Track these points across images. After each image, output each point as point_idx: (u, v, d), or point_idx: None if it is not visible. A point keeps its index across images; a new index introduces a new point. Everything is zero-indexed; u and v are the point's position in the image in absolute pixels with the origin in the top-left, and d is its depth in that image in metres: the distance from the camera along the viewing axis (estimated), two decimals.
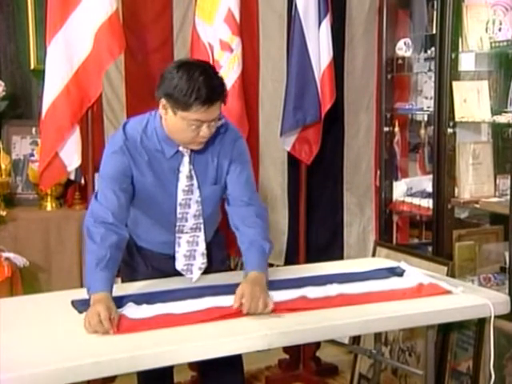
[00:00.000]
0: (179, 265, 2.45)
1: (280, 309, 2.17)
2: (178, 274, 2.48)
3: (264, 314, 2.13)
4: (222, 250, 2.66)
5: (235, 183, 2.44)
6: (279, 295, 2.27)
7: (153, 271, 2.52)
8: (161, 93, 2.24)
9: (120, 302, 2.15)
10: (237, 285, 2.27)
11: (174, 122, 2.25)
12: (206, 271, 2.50)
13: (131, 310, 2.11)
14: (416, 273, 2.54)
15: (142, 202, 2.41)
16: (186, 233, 2.44)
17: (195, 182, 2.38)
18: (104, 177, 2.37)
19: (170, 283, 2.41)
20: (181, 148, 2.34)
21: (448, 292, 2.37)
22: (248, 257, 2.35)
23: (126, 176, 2.34)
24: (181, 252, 2.45)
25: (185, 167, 2.37)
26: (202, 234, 2.45)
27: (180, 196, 2.38)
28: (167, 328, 2.01)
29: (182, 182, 2.37)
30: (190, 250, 2.45)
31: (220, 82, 2.25)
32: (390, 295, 2.34)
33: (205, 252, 2.46)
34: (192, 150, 2.35)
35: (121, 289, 2.31)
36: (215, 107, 2.22)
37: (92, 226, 2.26)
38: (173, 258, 2.47)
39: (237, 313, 2.12)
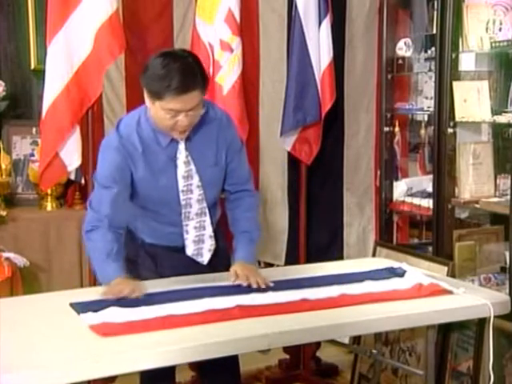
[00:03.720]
0: (189, 250, 2.50)
1: (281, 311, 2.16)
2: (187, 271, 2.48)
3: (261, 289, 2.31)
4: (226, 258, 2.66)
5: (234, 173, 2.54)
6: (280, 296, 2.27)
7: (161, 269, 2.53)
8: (142, 83, 2.30)
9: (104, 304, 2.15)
10: (234, 286, 2.34)
11: (154, 111, 2.30)
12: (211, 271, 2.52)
13: (130, 312, 2.10)
14: (416, 273, 2.54)
15: (145, 198, 2.44)
16: (192, 219, 2.48)
17: (193, 167, 2.42)
18: (100, 180, 2.40)
19: (170, 284, 2.42)
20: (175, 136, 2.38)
21: (449, 292, 2.37)
22: (238, 246, 2.52)
23: (123, 176, 2.37)
24: (190, 238, 2.50)
25: (181, 154, 2.41)
26: (207, 219, 2.50)
27: (181, 183, 2.42)
28: (167, 329, 2.01)
29: (181, 169, 2.41)
30: (198, 235, 2.50)
31: (196, 71, 2.26)
32: (391, 295, 2.34)
33: (212, 234, 2.52)
34: (186, 138, 2.39)
35: None
36: (191, 96, 2.23)
37: (90, 232, 2.37)
38: (182, 249, 2.50)
39: (235, 314, 2.12)
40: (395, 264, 2.67)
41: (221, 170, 2.52)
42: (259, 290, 2.34)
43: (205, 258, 2.52)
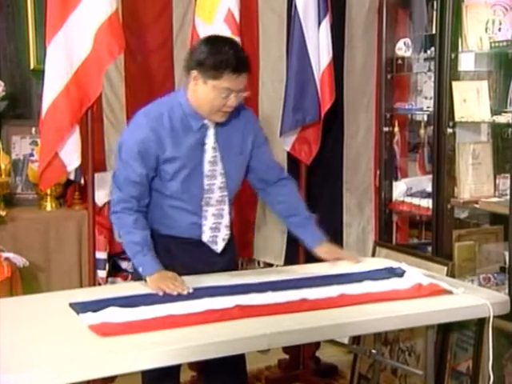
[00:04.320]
0: (205, 237, 2.56)
1: (280, 311, 2.16)
2: (201, 266, 2.52)
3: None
4: (234, 251, 2.75)
5: (265, 162, 2.65)
6: (279, 296, 2.27)
7: (175, 264, 2.52)
8: (192, 64, 2.41)
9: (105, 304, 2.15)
10: (232, 286, 2.34)
11: (204, 92, 2.40)
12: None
13: (129, 312, 2.10)
14: (416, 273, 2.54)
15: (168, 182, 2.49)
16: (212, 205, 2.54)
17: (218, 154, 2.51)
18: (125, 159, 2.46)
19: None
20: (206, 121, 2.47)
21: (448, 292, 2.37)
22: (309, 231, 2.68)
23: (148, 160, 2.44)
24: (207, 225, 2.55)
25: (210, 139, 2.50)
26: (226, 207, 2.56)
27: (206, 167, 2.50)
28: (167, 329, 2.01)
29: (208, 154, 2.50)
30: (215, 222, 2.56)
31: (246, 55, 2.45)
32: (390, 295, 2.34)
33: (228, 224, 2.59)
34: (216, 124, 2.49)
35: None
36: (243, 78, 2.40)
37: (120, 213, 2.46)
38: (198, 242, 2.55)
39: (235, 314, 2.12)
40: (394, 264, 2.67)
41: (244, 159, 2.60)
42: (261, 289, 2.34)
43: (219, 247, 2.58)
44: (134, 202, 2.46)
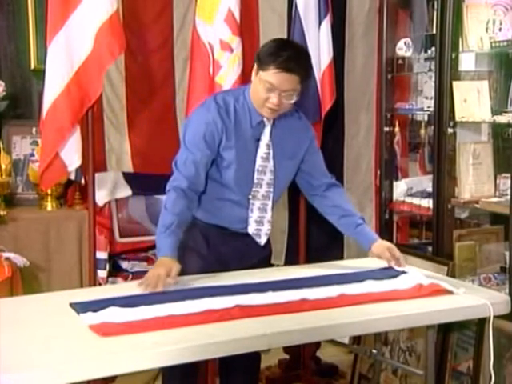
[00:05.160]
0: (251, 229, 2.66)
1: (280, 311, 2.16)
2: (231, 260, 2.64)
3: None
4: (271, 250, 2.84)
5: (317, 168, 2.75)
6: (279, 296, 2.27)
7: (209, 252, 2.63)
8: (256, 57, 2.51)
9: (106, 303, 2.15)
10: (232, 286, 2.33)
11: (255, 83, 2.51)
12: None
13: (129, 312, 2.10)
14: (416, 273, 2.54)
15: (225, 171, 2.57)
16: (259, 199, 2.64)
17: (271, 151, 2.60)
18: (187, 143, 2.54)
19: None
20: (264, 119, 2.56)
21: (449, 292, 2.37)
22: (365, 231, 2.72)
23: (210, 145, 2.52)
24: (253, 217, 2.66)
25: (265, 136, 2.60)
26: (270, 203, 2.67)
27: (258, 162, 2.60)
28: (167, 329, 2.01)
29: (262, 150, 2.60)
30: (260, 216, 2.66)
31: (303, 61, 2.49)
32: (390, 295, 2.34)
33: (270, 220, 2.69)
34: (274, 123, 2.58)
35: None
36: (289, 78, 2.42)
37: (169, 191, 2.50)
38: (238, 234, 2.65)
39: (235, 314, 2.12)
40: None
41: (294, 164, 2.69)
42: (261, 289, 2.34)
43: (262, 240, 2.68)
44: (186, 183, 2.50)
